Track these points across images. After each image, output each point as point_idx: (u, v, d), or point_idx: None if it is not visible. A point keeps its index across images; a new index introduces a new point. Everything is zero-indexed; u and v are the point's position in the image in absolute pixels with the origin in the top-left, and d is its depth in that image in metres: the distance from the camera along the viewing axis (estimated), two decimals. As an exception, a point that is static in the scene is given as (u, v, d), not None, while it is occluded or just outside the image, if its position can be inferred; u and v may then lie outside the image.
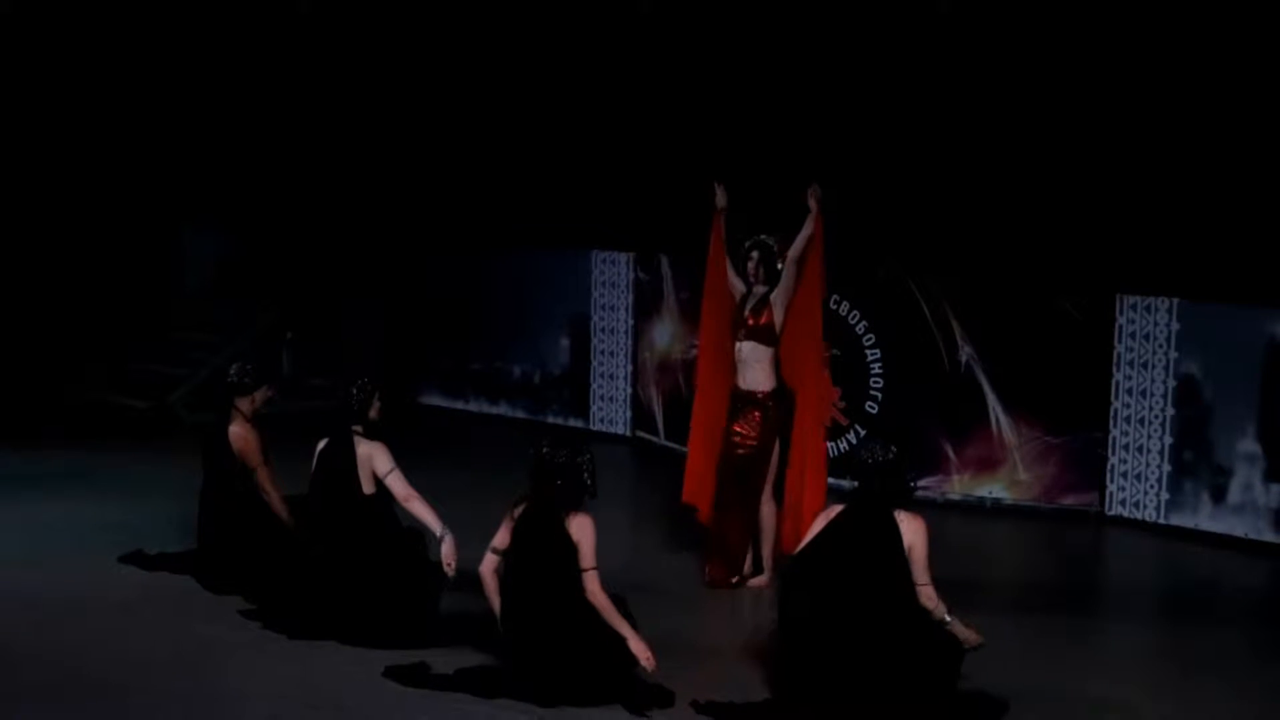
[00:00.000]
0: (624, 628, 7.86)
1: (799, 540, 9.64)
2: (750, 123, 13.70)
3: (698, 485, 10.17)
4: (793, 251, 9.79)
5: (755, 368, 9.84)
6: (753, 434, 9.86)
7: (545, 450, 7.99)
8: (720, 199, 10.14)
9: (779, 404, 9.86)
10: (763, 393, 9.84)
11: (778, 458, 9.93)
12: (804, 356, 9.85)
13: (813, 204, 9.76)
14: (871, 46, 13.17)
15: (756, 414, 9.85)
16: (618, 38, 14.48)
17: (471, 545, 8.38)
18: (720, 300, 10.15)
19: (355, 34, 15.76)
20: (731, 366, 10.02)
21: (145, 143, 16.38)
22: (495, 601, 8.09)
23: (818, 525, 8.00)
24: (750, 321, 9.86)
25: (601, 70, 14.68)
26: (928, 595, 7.75)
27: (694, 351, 10.69)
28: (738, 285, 10.05)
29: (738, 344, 9.91)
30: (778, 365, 9.89)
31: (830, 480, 12.10)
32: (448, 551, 8.58)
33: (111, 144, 16.27)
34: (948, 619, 7.81)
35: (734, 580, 9.97)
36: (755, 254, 9.86)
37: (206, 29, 15.92)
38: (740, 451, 9.89)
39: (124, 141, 16.31)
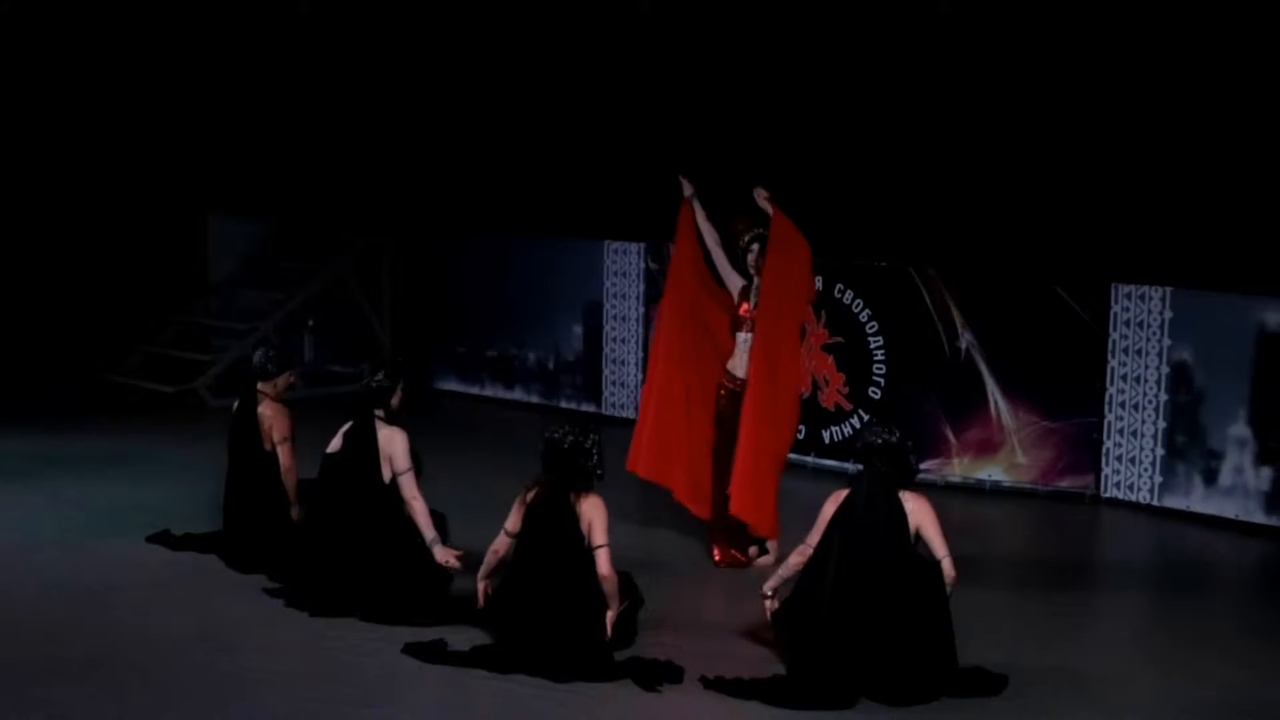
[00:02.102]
0: (612, 603, 8.11)
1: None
2: (757, 116, 13.79)
3: (655, 459, 10.04)
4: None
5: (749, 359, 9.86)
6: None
7: (554, 434, 8.17)
8: (686, 188, 10.12)
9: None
10: (745, 379, 9.84)
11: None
12: (782, 349, 9.83)
13: (762, 203, 9.79)
14: (874, 43, 13.23)
15: (742, 401, 9.81)
16: (626, 28, 14.50)
17: (487, 527, 8.56)
18: (691, 286, 10.10)
19: (373, 28, 15.95)
20: (716, 355, 10.05)
21: (174, 135, 16.53)
22: (486, 570, 8.39)
23: (828, 511, 8.02)
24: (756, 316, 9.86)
25: (612, 63, 14.74)
26: (949, 566, 7.87)
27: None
28: (735, 279, 10.03)
29: (741, 335, 9.90)
30: None
31: (833, 463, 12.47)
32: (441, 557, 8.84)
33: (142, 136, 16.44)
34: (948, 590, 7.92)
35: (742, 560, 10.03)
36: (755, 247, 9.86)
37: (236, 31, 16.13)
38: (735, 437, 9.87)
39: (154, 133, 16.47)
